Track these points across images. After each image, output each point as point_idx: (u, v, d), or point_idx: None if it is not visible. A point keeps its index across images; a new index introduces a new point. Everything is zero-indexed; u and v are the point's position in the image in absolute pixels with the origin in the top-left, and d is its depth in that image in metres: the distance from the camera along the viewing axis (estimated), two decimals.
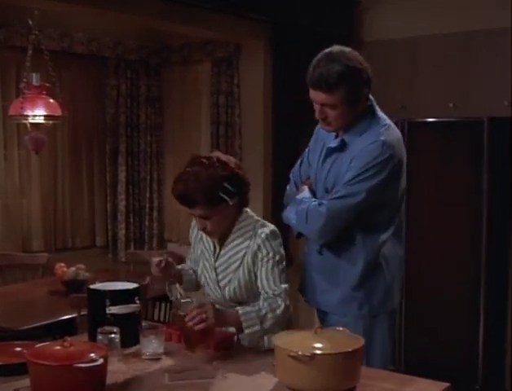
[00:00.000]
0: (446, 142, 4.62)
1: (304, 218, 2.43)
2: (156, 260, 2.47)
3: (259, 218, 2.50)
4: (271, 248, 2.39)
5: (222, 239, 2.48)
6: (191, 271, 2.65)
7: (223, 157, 2.43)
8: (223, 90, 5.54)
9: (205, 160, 2.37)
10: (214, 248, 2.52)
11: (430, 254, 4.65)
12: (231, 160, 2.45)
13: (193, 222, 2.62)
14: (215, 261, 2.50)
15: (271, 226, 2.45)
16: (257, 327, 2.30)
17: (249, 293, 2.44)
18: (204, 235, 2.55)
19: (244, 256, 2.42)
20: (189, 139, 5.98)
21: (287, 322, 2.48)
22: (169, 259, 2.49)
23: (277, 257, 2.39)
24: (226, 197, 2.35)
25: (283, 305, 2.34)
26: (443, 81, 4.84)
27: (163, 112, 6.16)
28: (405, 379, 2.11)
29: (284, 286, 2.38)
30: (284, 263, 2.42)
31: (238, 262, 2.43)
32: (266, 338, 2.43)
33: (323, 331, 2.05)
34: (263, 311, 2.31)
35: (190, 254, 2.69)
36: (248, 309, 2.32)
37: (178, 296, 2.37)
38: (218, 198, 2.34)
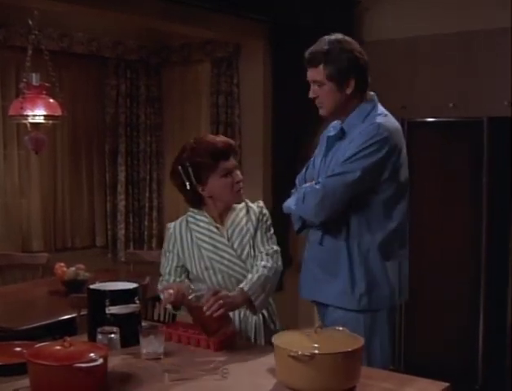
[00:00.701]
0: (446, 142, 4.61)
1: (302, 199, 2.52)
2: (166, 295, 2.42)
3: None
4: (265, 215, 2.63)
5: (221, 219, 2.59)
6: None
7: None
8: (223, 90, 5.54)
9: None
10: (218, 230, 2.58)
11: (430, 254, 4.65)
12: None
13: (170, 230, 2.68)
14: (228, 240, 2.57)
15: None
16: (263, 295, 2.45)
17: None
18: (196, 227, 2.59)
19: (249, 227, 2.57)
20: (189, 139, 5.95)
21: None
22: (171, 291, 2.43)
23: (269, 222, 2.64)
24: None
25: (274, 266, 2.53)
26: (443, 81, 4.84)
27: (163, 112, 6.16)
28: (405, 379, 2.11)
29: (275, 247, 2.60)
30: (272, 230, 2.64)
31: (248, 234, 2.57)
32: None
33: (323, 330, 2.05)
34: (262, 278, 2.46)
35: (167, 267, 2.63)
36: (250, 284, 2.43)
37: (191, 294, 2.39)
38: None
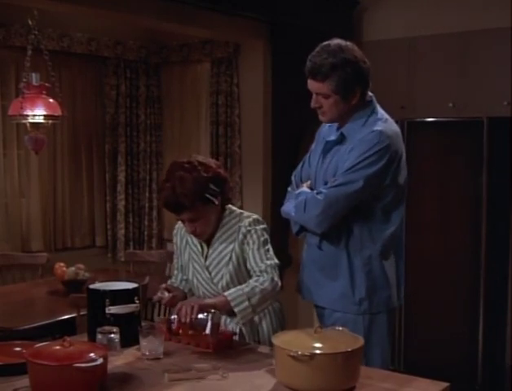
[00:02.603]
0: (445, 142, 4.61)
1: (303, 208, 2.47)
2: (160, 293, 2.50)
3: (243, 211, 2.58)
4: (255, 232, 2.47)
5: (208, 238, 2.54)
6: (181, 286, 2.69)
7: (203, 159, 2.50)
8: (223, 90, 5.54)
9: (186, 165, 2.43)
10: (202, 248, 2.57)
11: (430, 254, 4.65)
12: (210, 161, 2.53)
13: (175, 230, 2.68)
14: (205, 261, 2.54)
15: (255, 215, 2.54)
16: (245, 304, 2.34)
17: (242, 283, 2.48)
18: (189, 239, 2.60)
19: (232, 249, 2.49)
20: (189, 139, 5.98)
21: (281, 319, 2.61)
22: (169, 294, 2.50)
23: (262, 239, 2.48)
24: (211, 198, 2.42)
25: (269, 279, 2.41)
26: (443, 81, 4.84)
27: (162, 111, 6.15)
28: (405, 379, 2.11)
29: (269, 262, 2.45)
30: (269, 245, 2.50)
31: (228, 256, 2.49)
32: (260, 329, 2.54)
33: (322, 330, 2.05)
34: (249, 287, 2.37)
35: (176, 263, 2.72)
36: (233, 289, 2.38)
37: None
38: (204, 200, 2.41)
